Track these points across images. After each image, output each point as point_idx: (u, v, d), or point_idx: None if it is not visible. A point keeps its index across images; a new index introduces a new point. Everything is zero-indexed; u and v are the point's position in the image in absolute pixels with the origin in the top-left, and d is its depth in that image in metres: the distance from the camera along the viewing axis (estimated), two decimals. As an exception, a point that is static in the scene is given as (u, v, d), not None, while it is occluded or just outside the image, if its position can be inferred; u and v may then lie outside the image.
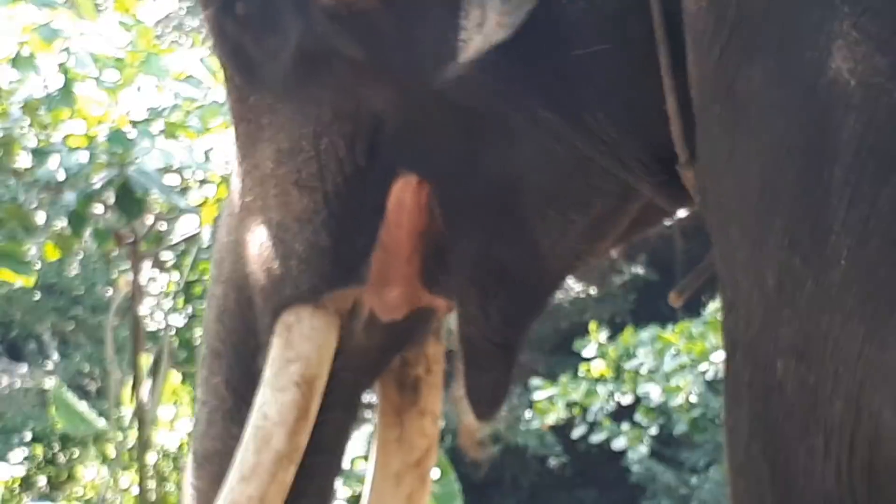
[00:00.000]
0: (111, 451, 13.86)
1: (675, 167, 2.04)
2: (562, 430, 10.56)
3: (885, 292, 1.52)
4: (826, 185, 1.57)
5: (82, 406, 14.98)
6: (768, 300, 1.63)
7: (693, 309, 11.16)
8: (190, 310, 13.08)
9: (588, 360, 9.70)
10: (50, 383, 16.40)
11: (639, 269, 11.08)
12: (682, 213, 2.30)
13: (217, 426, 2.41)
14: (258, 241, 2.33)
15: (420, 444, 2.44)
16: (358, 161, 2.26)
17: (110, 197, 9.04)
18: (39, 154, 8.32)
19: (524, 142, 2.16)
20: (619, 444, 9.74)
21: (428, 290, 2.35)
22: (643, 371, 9.15)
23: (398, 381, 2.47)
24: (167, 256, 12.72)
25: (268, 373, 2.25)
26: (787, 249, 1.60)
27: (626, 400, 9.38)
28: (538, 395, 9.79)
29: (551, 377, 10.68)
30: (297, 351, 2.21)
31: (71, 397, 14.93)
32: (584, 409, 9.58)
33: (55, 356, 19.76)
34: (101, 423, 14.50)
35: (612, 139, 2.04)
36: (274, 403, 2.19)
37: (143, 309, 12.60)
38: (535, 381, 10.07)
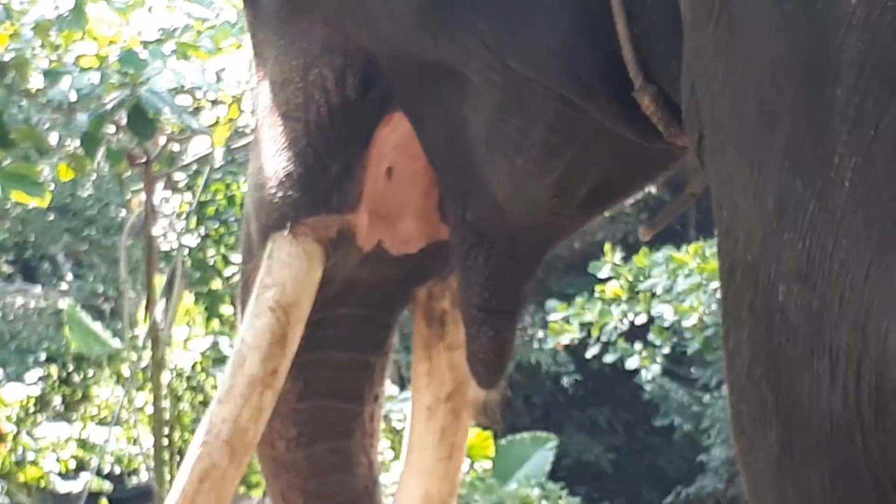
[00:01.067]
0: (125, 370, 13.93)
1: (631, 93, 2.01)
2: (575, 349, 10.59)
3: (890, 215, 1.49)
4: (828, 105, 1.53)
5: (96, 326, 15.05)
6: (768, 223, 1.59)
7: (707, 229, 11.15)
8: (203, 230, 13.10)
9: (602, 280, 9.70)
10: (64, 304, 16.46)
11: (652, 189, 10.95)
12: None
13: None
14: (252, 172, 2.38)
15: (449, 378, 2.45)
16: (348, 93, 2.28)
17: (122, 118, 9.03)
18: (51, 75, 8.30)
19: (467, 84, 2.16)
20: (632, 363, 9.76)
21: (447, 224, 2.36)
22: (657, 291, 9.15)
23: (425, 315, 2.47)
24: (180, 177, 12.72)
25: (250, 300, 2.28)
26: (788, 171, 1.57)
27: (640, 320, 9.39)
28: (553, 316, 9.81)
29: (566, 297, 10.69)
30: (273, 277, 2.23)
31: (85, 317, 14.99)
32: (599, 329, 9.60)
33: (69, 277, 19.82)
34: (115, 342, 14.57)
35: (561, 67, 2.02)
36: (250, 329, 2.21)
37: (157, 229, 12.62)
38: (550, 301, 10.08)
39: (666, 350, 9.69)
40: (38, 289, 19.89)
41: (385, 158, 2.36)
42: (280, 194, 2.28)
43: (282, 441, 2.39)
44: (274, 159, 2.31)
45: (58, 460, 14.44)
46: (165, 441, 13.60)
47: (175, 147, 12.27)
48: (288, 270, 2.24)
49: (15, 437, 14.27)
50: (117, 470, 14.63)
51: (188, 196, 13.31)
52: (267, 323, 2.19)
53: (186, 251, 13.15)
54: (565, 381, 18.28)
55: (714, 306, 9.06)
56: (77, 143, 9.58)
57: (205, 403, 13.96)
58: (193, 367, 13.60)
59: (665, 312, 9.12)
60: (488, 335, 2.34)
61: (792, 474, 1.61)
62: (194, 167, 12.67)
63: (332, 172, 2.26)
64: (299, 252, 2.25)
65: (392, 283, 2.42)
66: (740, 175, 1.65)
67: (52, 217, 18.79)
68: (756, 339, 1.62)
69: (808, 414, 1.55)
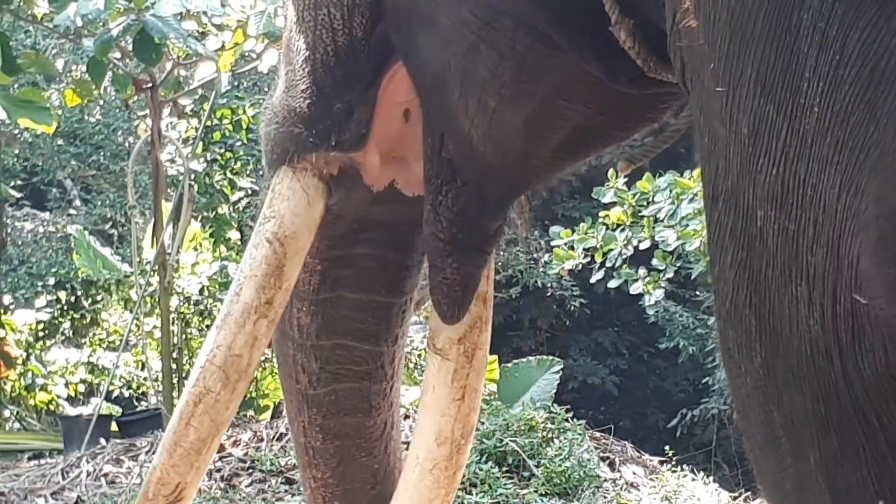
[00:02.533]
0: (133, 295, 13.97)
1: (608, 29, 2.02)
2: (580, 273, 10.60)
3: (858, 139, 1.51)
4: (795, 30, 1.55)
5: (105, 251, 15.09)
6: (744, 149, 1.62)
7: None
8: (209, 155, 13.11)
9: (606, 206, 9.70)
10: (72, 229, 16.48)
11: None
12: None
13: None
14: (267, 107, 2.41)
15: (464, 320, 2.44)
16: (355, 33, 2.28)
17: (128, 43, 9.03)
18: (57, 1, 8.28)
19: (441, 26, 2.19)
20: (636, 288, 9.79)
21: None
22: (660, 216, 9.15)
23: None
24: (186, 102, 12.71)
25: (253, 232, 2.33)
26: (760, 97, 1.59)
27: (644, 245, 9.40)
28: (556, 242, 9.82)
29: (571, 222, 10.71)
30: (273, 209, 2.28)
31: (93, 243, 15.03)
32: (603, 255, 9.61)
33: (77, 202, 19.82)
34: (123, 268, 14.62)
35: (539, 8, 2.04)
36: (248, 258, 2.26)
37: (163, 155, 12.63)
38: (554, 227, 10.10)
39: (670, 274, 9.71)
40: (46, 214, 19.93)
41: (401, 100, 2.37)
42: (284, 129, 2.31)
43: (305, 375, 2.43)
44: (283, 95, 2.34)
45: (67, 385, 14.52)
46: (174, 365, 13.67)
47: (181, 72, 12.26)
48: (287, 203, 2.28)
49: (24, 362, 14.35)
50: (126, 394, 14.72)
51: (194, 121, 13.31)
52: (264, 254, 2.24)
53: (193, 176, 13.17)
54: (571, 304, 18.31)
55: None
56: (83, 68, 9.57)
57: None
58: (201, 291, 13.66)
59: (669, 237, 9.12)
60: (452, 267, 2.36)
61: (776, 397, 1.64)
62: (200, 92, 12.66)
63: (334, 111, 2.27)
64: (299, 186, 2.28)
65: (407, 223, 2.43)
66: (717, 102, 1.67)
67: (59, 143, 18.79)
68: (738, 264, 1.64)
69: (788, 338, 1.58)
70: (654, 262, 9.64)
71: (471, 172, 2.27)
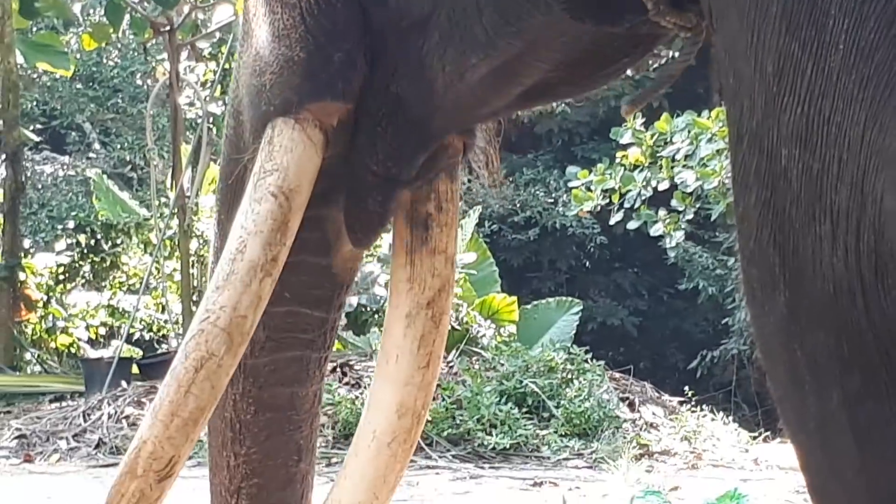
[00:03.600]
0: (153, 238, 14.02)
1: None
2: (600, 213, 10.59)
3: (883, 75, 1.50)
4: None
5: (124, 195, 15.12)
6: (769, 88, 1.61)
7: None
8: (227, 98, 13.07)
9: (625, 146, 9.68)
10: (92, 173, 16.51)
11: (675, 53, 10.84)
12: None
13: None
14: (247, 60, 2.34)
15: (432, 284, 2.38)
16: None
17: (145, -14, 9.00)
18: (73, -56, 8.26)
19: None
20: (656, 229, 9.78)
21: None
22: (679, 157, 9.13)
23: (408, 219, 2.40)
24: (204, 45, 12.70)
25: (249, 186, 2.23)
26: (785, 36, 1.58)
27: (663, 186, 9.38)
28: (574, 183, 9.81)
29: (588, 163, 10.70)
30: (275, 162, 2.19)
31: (112, 186, 15.05)
32: (622, 196, 9.59)
33: (96, 146, 19.84)
34: (142, 211, 14.65)
35: None
36: (251, 214, 2.16)
37: (182, 98, 12.62)
38: (572, 168, 10.09)
39: (689, 215, 9.69)
40: (65, 158, 19.97)
41: None
42: (282, 79, 2.23)
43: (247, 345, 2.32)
44: (272, 46, 2.25)
45: (88, 328, 14.58)
46: (193, 308, 13.71)
47: (199, 15, 12.24)
48: (290, 156, 2.20)
49: (45, 306, 14.41)
50: (147, 336, 14.78)
51: (212, 64, 13.30)
52: (269, 208, 2.15)
53: (211, 119, 13.17)
54: (590, 245, 18.32)
55: (733, 171, 9.05)
56: (101, 12, 9.56)
57: (232, 270, 14.02)
58: (220, 234, 13.67)
59: (688, 178, 9.09)
60: (377, 200, 2.31)
61: (799, 336, 1.64)
62: (218, 35, 12.65)
63: (336, 60, 2.21)
64: (302, 137, 2.19)
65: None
66: (742, 41, 1.65)
67: (77, 86, 18.81)
68: (762, 203, 1.63)
69: (812, 276, 1.58)
70: (674, 202, 9.62)
71: (418, 110, 2.22)
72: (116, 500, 2.12)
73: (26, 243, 15.05)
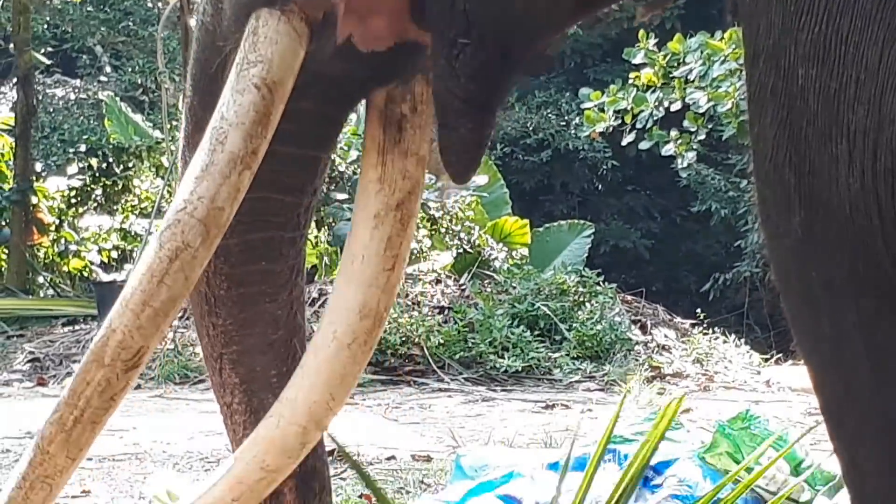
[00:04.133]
0: (165, 161, 14.02)
1: None
2: (612, 136, 10.55)
3: None
4: None
5: (137, 117, 15.09)
6: (786, 6, 1.60)
7: (743, 14, 10.99)
8: None
9: (637, 67, 9.62)
10: (104, 95, 16.48)
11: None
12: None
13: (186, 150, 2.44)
14: None
15: (402, 186, 2.36)
16: None
17: None
18: None
19: None
20: (667, 149, 9.74)
21: (416, 24, 2.27)
22: (692, 77, 9.07)
23: (382, 120, 2.38)
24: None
25: (230, 76, 2.19)
26: None
27: (675, 106, 9.33)
28: (587, 104, 9.76)
29: (601, 85, 10.64)
30: (259, 53, 2.15)
31: (125, 108, 15.02)
32: (634, 117, 9.55)
33: (107, 69, 19.79)
34: (155, 133, 14.63)
35: None
36: (232, 105, 2.13)
37: (193, 20, 12.57)
38: (584, 89, 10.03)
39: (701, 136, 9.65)
40: (77, 81, 19.93)
41: None
42: None
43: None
44: None
45: (100, 251, 14.61)
46: (206, 231, 13.71)
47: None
48: (275, 48, 2.16)
49: (57, 229, 14.44)
50: (159, 260, 14.81)
51: (223, -14, 13.25)
52: (251, 100, 2.12)
53: (222, 42, 13.12)
54: (602, 168, 18.29)
55: (747, 92, 9.00)
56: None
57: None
58: (231, 158, 13.65)
59: (700, 99, 9.05)
60: (468, 127, 2.25)
61: (814, 257, 1.63)
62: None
63: None
64: (288, 30, 2.13)
65: (356, 80, 2.33)
66: None
67: (88, 9, 18.73)
68: (778, 123, 1.62)
69: (828, 197, 1.57)
70: (686, 123, 9.58)
71: (490, 26, 2.19)
72: (81, 388, 2.10)
73: (38, 167, 15.05)
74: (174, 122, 14.35)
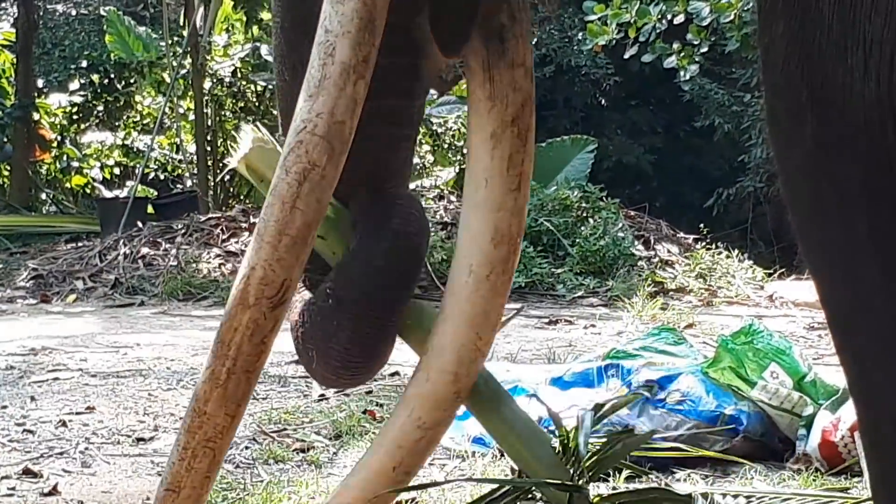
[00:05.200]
0: (167, 78, 13.97)
1: None
2: (614, 50, 10.47)
3: None
4: None
5: (140, 30, 15.01)
6: None
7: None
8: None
9: (641, -21, 9.55)
10: (105, 10, 16.37)
11: None
12: None
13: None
14: None
15: (514, 99, 2.28)
16: None
17: None
18: None
19: None
20: (670, 62, 9.68)
21: None
22: (695, -10, 9.02)
23: (482, 33, 2.28)
24: None
25: None
26: None
27: (678, 19, 9.26)
28: (590, 17, 9.69)
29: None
30: None
31: (127, 22, 14.93)
32: (636, 30, 9.48)
33: (108, -18, 19.67)
34: (157, 48, 14.56)
35: None
36: (335, 16, 2.04)
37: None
38: (588, 2, 9.95)
39: (704, 49, 9.59)
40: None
41: None
42: None
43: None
44: None
45: (102, 168, 14.62)
46: (208, 147, 13.73)
47: None
48: None
49: (59, 146, 14.42)
50: (161, 176, 14.81)
51: None
52: (353, 7, 2.04)
53: (222, -44, 13.06)
54: (605, 83, 18.21)
55: (752, 3, 8.95)
56: None
57: (245, 110, 14.07)
58: (234, 73, 13.63)
59: (702, 10, 8.99)
60: (461, 4, 2.23)
61: (826, 167, 1.62)
62: None
63: None
64: None
65: None
66: None
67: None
68: (791, 33, 1.60)
69: (842, 108, 1.55)
70: (689, 36, 9.52)
71: None
72: (229, 335, 2.03)
73: (39, 83, 15.01)
74: (175, 38, 14.30)
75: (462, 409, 2.37)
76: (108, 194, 14.09)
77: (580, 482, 2.32)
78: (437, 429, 2.29)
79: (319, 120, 2.02)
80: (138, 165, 13.96)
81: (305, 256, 2.06)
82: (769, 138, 1.75)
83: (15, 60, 14.41)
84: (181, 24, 14.13)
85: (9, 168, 14.34)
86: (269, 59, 13.33)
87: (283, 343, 6.63)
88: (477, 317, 2.26)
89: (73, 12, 19.47)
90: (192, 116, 13.90)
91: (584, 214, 10.92)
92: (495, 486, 2.49)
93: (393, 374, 5.63)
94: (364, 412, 4.90)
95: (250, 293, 2.01)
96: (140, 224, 11.50)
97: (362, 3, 2.04)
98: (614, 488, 3.54)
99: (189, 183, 14.14)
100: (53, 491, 3.91)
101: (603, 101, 18.90)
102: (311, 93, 2.03)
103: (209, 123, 13.67)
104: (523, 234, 2.31)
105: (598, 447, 2.43)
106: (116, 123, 14.55)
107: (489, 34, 2.28)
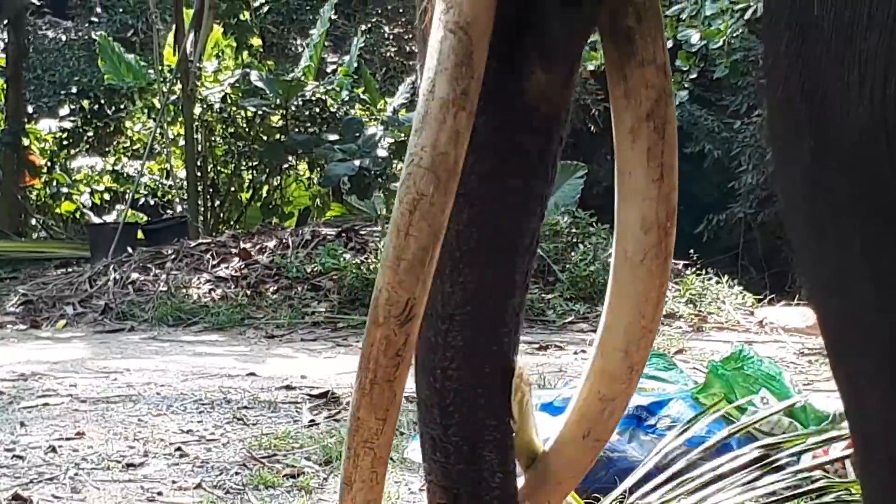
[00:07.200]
0: (157, 103, 13.98)
1: None
2: (603, 77, 10.51)
3: None
4: None
5: (130, 57, 15.04)
6: None
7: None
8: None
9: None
10: (96, 35, 16.40)
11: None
12: None
13: None
14: None
15: (647, 95, 2.40)
16: None
17: None
18: None
19: None
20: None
21: None
22: (684, 16, 9.05)
23: (612, 35, 2.40)
24: None
25: (433, 26, 2.27)
26: None
27: (667, 45, 9.31)
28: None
29: (594, 24, 10.58)
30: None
31: (118, 48, 14.96)
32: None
33: (98, 9, 19.70)
34: (149, 72, 14.57)
35: None
36: (435, 53, 2.21)
37: (183, -40, 12.49)
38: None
39: (693, 75, 9.62)
40: (68, 23, 19.84)
41: None
42: None
43: (474, 176, 2.41)
44: None
45: (92, 193, 14.62)
46: (198, 173, 13.73)
47: None
48: None
49: (49, 171, 14.42)
50: (151, 202, 14.81)
51: (212, -74, 13.16)
52: (451, 45, 2.20)
53: (212, -18, 13.07)
54: (595, 109, 18.26)
55: (741, 30, 8.96)
56: None
57: (235, 135, 14.10)
58: (223, 99, 13.65)
59: (692, 37, 9.02)
60: (559, 22, 2.31)
61: (823, 184, 1.64)
62: None
63: None
64: None
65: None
66: None
67: (78, -51, 18.63)
68: (793, 52, 1.64)
69: (839, 124, 1.58)
70: (678, 62, 9.56)
71: None
72: (367, 350, 2.21)
73: (29, 109, 15.02)
74: (165, 64, 14.32)
75: None
76: (97, 220, 14.09)
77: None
78: (616, 399, 2.50)
79: (424, 153, 2.19)
80: (128, 191, 13.96)
81: (426, 278, 2.24)
82: (770, 156, 1.78)
83: (5, 86, 14.42)
84: (172, 49, 14.15)
85: (-1, 194, 14.34)
86: (259, 84, 13.35)
87: (273, 369, 6.61)
88: (638, 298, 2.45)
89: (63, 38, 19.51)
90: (182, 142, 13.91)
91: (574, 240, 10.94)
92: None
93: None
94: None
95: (379, 313, 2.21)
96: (130, 249, 11.49)
97: (458, 40, 2.18)
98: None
99: (179, 208, 14.14)
100: (43, 516, 3.90)
101: (592, 128, 18.95)
102: (416, 128, 2.20)
103: (199, 149, 13.68)
104: (675, 219, 2.47)
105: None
106: (106, 149, 14.56)
107: (618, 36, 2.39)
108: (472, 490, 2.54)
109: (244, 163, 14.06)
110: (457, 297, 2.49)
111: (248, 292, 10.24)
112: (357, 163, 12.41)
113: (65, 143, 14.39)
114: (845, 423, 3.52)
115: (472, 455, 2.52)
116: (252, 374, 6.84)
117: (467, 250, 2.47)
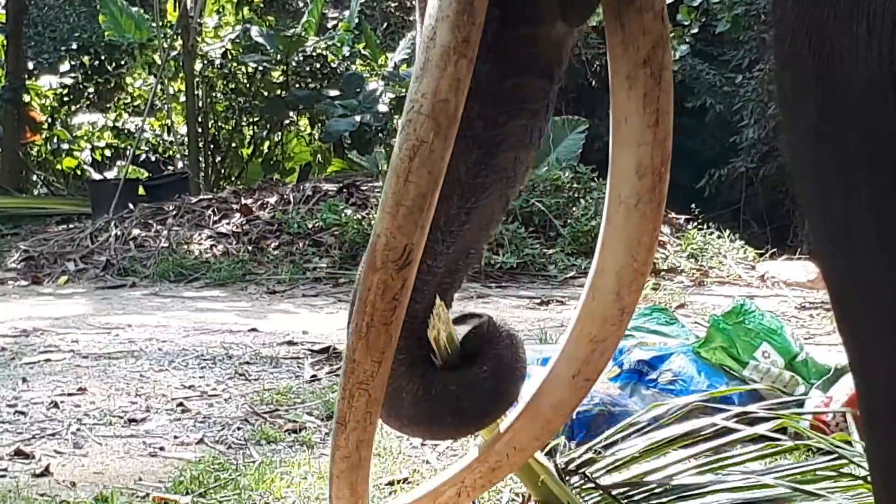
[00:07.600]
0: (157, 59, 13.95)
1: None
2: (604, 31, 10.47)
3: None
4: None
5: (130, 12, 14.98)
6: None
7: None
8: None
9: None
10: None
11: None
12: None
13: None
14: None
15: (644, 42, 2.42)
16: None
17: None
18: None
19: None
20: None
21: None
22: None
23: None
24: None
25: None
26: None
27: (669, 0, 9.29)
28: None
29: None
30: None
31: (120, 2, 14.91)
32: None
33: (98, -35, 19.65)
34: (149, 29, 14.53)
35: None
36: (435, 1, 2.22)
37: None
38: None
39: (695, 30, 9.60)
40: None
41: None
42: None
43: (480, 121, 2.43)
44: None
45: (93, 149, 14.60)
46: (199, 129, 13.72)
47: None
48: None
49: (50, 128, 14.40)
50: (152, 158, 14.80)
51: None
52: None
53: (212, -63, 13.03)
54: (596, 63, 18.21)
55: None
56: None
57: (236, 91, 14.08)
58: (224, 55, 13.62)
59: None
60: None
61: (830, 137, 1.64)
62: None
63: None
64: None
65: None
66: None
67: None
68: (801, 6, 1.63)
69: (846, 78, 1.58)
70: (679, 17, 9.52)
71: None
72: (364, 294, 2.24)
73: (30, 65, 14.98)
74: (166, 20, 14.27)
75: None
76: (98, 176, 14.08)
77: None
78: (607, 341, 2.52)
79: (424, 100, 2.20)
80: (129, 147, 13.95)
81: (424, 223, 2.26)
82: (777, 112, 1.78)
83: (5, 42, 14.38)
84: (172, 5, 14.10)
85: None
86: (260, 40, 13.31)
87: (274, 324, 6.60)
88: (631, 242, 2.48)
89: (64, -7, 19.47)
90: (182, 98, 13.88)
91: (576, 195, 10.92)
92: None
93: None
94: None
95: (377, 257, 2.24)
96: (131, 205, 11.49)
97: None
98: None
99: (180, 164, 14.13)
100: (45, 472, 3.91)
101: (594, 82, 18.91)
102: (416, 75, 2.21)
103: (200, 105, 13.66)
104: (669, 164, 2.48)
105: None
106: (107, 105, 14.53)
107: None
108: None
109: (245, 118, 14.04)
110: (461, 218, 2.52)
111: (250, 248, 10.24)
112: (358, 118, 12.40)
113: (65, 99, 14.36)
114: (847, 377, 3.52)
115: None
116: (253, 329, 6.84)
117: (474, 184, 2.48)
